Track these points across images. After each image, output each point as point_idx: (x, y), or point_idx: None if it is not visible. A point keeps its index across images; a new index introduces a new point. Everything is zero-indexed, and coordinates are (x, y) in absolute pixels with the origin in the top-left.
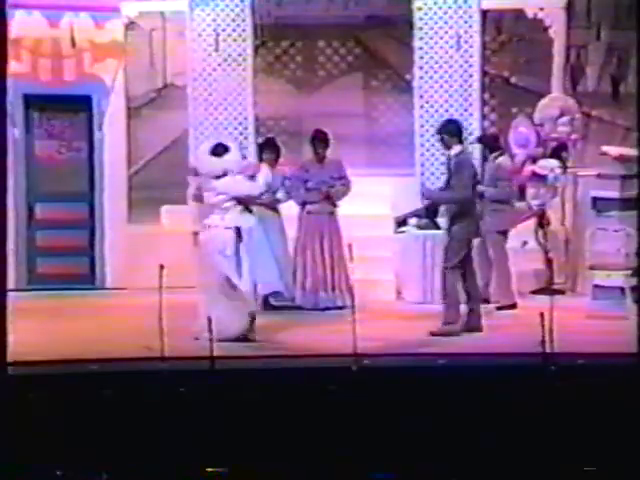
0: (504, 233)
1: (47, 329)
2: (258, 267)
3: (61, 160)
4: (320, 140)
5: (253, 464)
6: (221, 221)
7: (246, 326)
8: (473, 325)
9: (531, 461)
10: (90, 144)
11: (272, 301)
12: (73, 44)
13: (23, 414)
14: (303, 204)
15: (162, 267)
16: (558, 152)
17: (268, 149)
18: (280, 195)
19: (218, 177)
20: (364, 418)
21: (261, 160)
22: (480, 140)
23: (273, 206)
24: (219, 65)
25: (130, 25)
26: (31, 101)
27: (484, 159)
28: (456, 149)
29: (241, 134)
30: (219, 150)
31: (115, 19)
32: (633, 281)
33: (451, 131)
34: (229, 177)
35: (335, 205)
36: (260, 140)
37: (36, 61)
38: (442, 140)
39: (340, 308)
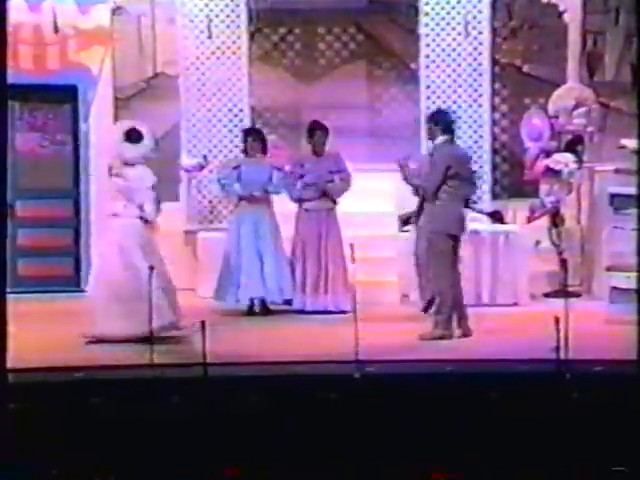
0: None
1: (29, 334)
2: (226, 275)
3: (44, 154)
4: (317, 132)
5: (247, 476)
6: (124, 209)
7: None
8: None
9: (544, 475)
10: (75, 137)
11: (269, 305)
12: (56, 30)
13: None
14: (299, 201)
15: (152, 268)
16: (573, 146)
17: (250, 138)
18: (254, 189)
19: (131, 165)
20: (367, 429)
21: (246, 152)
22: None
23: (252, 199)
24: (212, 53)
25: (117, 10)
26: (11, 91)
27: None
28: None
29: (236, 126)
30: (134, 136)
31: (101, 3)
32: None
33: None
34: (142, 167)
35: (334, 202)
36: (244, 129)
37: (16, 48)
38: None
39: (342, 312)
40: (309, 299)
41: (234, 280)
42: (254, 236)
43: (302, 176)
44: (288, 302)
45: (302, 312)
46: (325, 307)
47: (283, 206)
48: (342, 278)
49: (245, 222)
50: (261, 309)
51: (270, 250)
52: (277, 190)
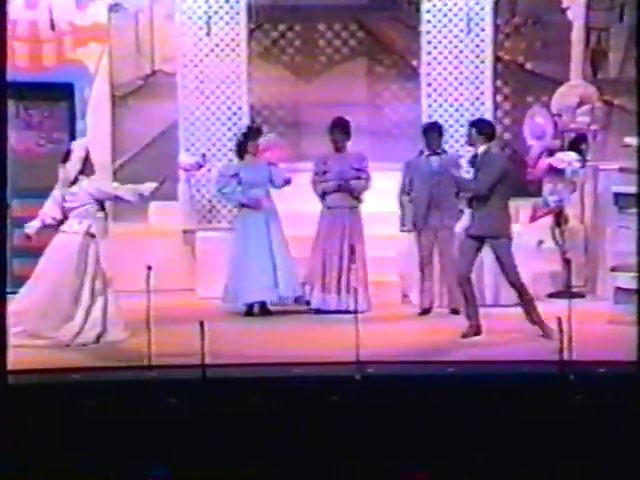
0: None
1: None
2: (241, 277)
3: (40, 153)
4: (340, 129)
5: (247, 477)
6: (79, 226)
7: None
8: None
9: (547, 476)
10: (72, 135)
11: (268, 305)
12: (52, 27)
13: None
14: (322, 195)
15: (150, 268)
16: (577, 144)
17: (253, 137)
18: (256, 191)
19: (71, 183)
20: (368, 431)
21: (245, 149)
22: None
23: (259, 205)
24: (211, 50)
25: (114, 6)
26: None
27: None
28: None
29: (235, 124)
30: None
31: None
32: None
33: (481, 129)
34: (86, 182)
35: (359, 200)
36: (244, 129)
37: (12, 45)
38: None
39: (358, 312)
40: (329, 298)
41: (244, 282)
42: (265, 235)
43: (325, 172)
44: (308, 303)
45: (320, 311)
46: (346, 307)
47: (286, 206)
48: (363, 278)
49: (253, 222)
50: (260, 310)
51: (281, 248)
52: (280, 182)
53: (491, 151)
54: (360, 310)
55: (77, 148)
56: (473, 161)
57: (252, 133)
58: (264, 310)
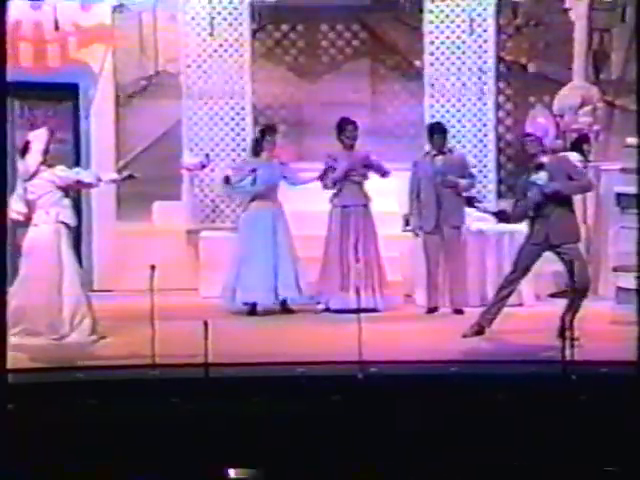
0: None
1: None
2: (242, 275)
3: None
4: (347, 127)
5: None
6: (47, 216)
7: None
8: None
9: (549, 476)
10: (76, 135)
11: (289, 303)
12: (57, 27)
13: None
14: (333, 185)
15: (153, 267)
16: (579, 144)
17: (270, 135)
18: (258, 187)
19: (32, 175)
20: (370, 430)
21: (261, 147)
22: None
23: (271, 201)
24: (214, 51)
25: (118, 7)
26: (11, 89)
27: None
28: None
29: (238, 125)
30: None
31: (102, 1)
32: None
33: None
34: (47, 172)
35: (368, 198)
36: (260, 127)
37: (16, 45)
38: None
39: (374, 310)
40: (347, 298)
41: (244, 281)
42: (271, 236)
43: (334, 169)
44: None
45: (339, 311)
46: (357, 305)
47: (287, 207)
48: (377, 276)
49: (260, 222)
50: (282, 309)
51: (286, 249)
52: (295, 181)
53: (561, 155)
54: (384, 309)
55: (36, 140)
56: (537, 170)
57: (269, 131)
58: (285, 309)
